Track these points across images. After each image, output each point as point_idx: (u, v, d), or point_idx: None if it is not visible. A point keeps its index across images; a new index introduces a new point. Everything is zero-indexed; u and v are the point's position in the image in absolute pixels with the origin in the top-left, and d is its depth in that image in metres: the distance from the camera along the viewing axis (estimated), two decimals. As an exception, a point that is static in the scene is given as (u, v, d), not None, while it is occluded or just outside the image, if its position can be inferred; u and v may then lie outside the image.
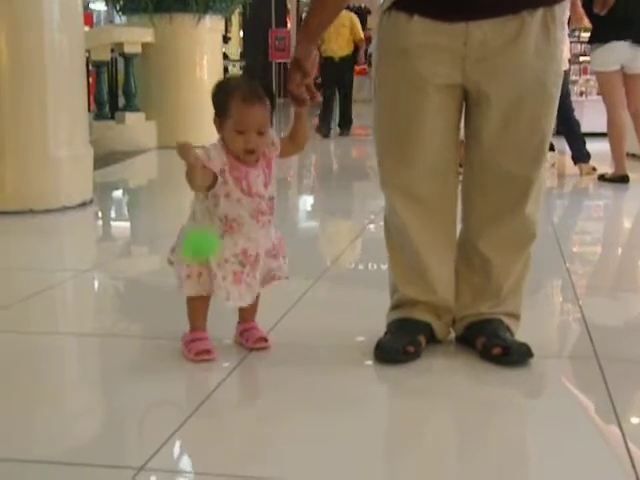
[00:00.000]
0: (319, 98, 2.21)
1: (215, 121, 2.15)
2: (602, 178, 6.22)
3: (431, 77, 2.12)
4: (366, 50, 10.55)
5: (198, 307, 2.24)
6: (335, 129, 10.46)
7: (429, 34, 2.09)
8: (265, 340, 2.30)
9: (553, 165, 6.91)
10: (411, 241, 2.26)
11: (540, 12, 2.08)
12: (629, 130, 6.16)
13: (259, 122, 2.10)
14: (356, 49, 10.17)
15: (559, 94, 2.19)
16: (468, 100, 2.19)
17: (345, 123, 10.45)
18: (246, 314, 2.32)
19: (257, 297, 2.27)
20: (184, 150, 1.99)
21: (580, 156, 6.57)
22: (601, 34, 5.98)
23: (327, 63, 9.80)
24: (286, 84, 2.20)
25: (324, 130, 10.04)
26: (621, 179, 6.06)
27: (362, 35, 10.04)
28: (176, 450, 1.74)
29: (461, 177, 2.29)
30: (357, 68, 13.05)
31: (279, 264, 2.27)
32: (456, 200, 2.30)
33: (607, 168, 6.40)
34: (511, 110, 2.13)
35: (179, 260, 2.20)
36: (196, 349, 2.20)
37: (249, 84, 2.14)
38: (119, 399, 2.03)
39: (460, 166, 2.30)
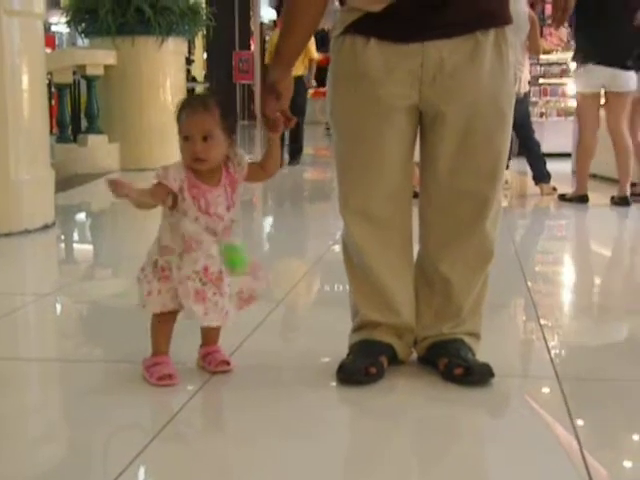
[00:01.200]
0: (294, 120, 2.21)
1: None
2: (562, 198, 6.30)
3: (390, 99, 2.14)
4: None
5: (162, 329, 2.23)
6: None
7: (387, 56, 2.12)
8: (227, 363, 2.29)
9: (506, 182, 6.99)
10: (370, 263, 2.27)
11: (492, 33, 2.12)
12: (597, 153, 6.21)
13: (202, 127, 2.10)
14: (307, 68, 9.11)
15: (512, 114, 2.22)
16: (423, 121, 2.21)
17: (295, 151, 9.20)
18: (208, 337, 2.31)
19: (225, 320, 2.27)
20: (114, 187, 2.01)
21: (541, 176, 6.66)
22: (583, 54, 6.03)
23: None
24: (261, 109, 2.20)
25: (289, 157, 9.03)
26: (581, 199, 6.13)
27: (315, 55, 9.04)
28: (139, 474, 1.73)
29: (416, 198, 2.31)
30: (322, 90, 12.98)
31: (251, 281, 2.25)
32: (411, 221, 2.32)
33: (567, 188, 6.49)
34: (466, 130, 2.16)
35: (142, 278, 2.19)
36: (158, 373, 2.19)
37: (200, 98, 2.20)
38: (81, 424, 2.01)
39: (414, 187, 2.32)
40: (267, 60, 9.05)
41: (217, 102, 2.15)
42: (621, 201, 6.02)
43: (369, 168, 2.22)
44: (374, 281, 2.28)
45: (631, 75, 5.97)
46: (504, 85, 2.17)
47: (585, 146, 6.17)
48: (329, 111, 2.28)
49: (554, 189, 6.57)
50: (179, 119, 2.15)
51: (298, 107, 8.73)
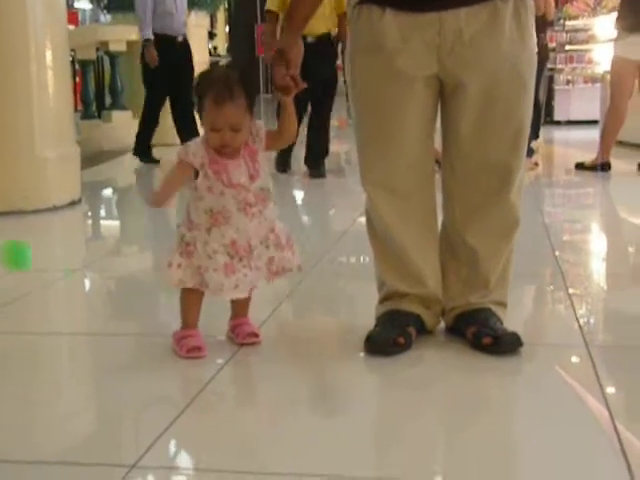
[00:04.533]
0: (303, 85, 2.18)
1: (198, 111, 2.16)
2: (580, 166, 6.19)
3: (409, 69, 2.12)
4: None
5: (190, 303, 2.24)
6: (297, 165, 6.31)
7: (403, 26, 2.09)
8: (256, 335, 2.30)
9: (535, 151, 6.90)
10: (393, 235, 2.26)
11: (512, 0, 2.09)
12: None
13: (231, 121, 2.09)
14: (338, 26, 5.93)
15: (534, 82, 2.20)
16: (444, 91, 2.19)
17: (316, 155, 6.12)
18: (238, 309, 2.32)
19: (250, 291, 2.29)
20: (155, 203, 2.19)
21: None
22: (628, 23, 5.89)
23: None
24: (272, 76, 2.19)
25: (281, 160, 6.05)
26: (602, 167, 6.06)
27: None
28: (169, 447, 1.75)
29: (438, 169, 2.29)
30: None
31: (284, 255, 2.24)
32: (434, 192, 2.30)
33: (592, 157, 6.39)
34: (487, 98, 2.13)
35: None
36: (187, 346, 2.20)
37: (225, 81, 2.10)
38: (111, 397, 2.03)
39: (436, 161, 2.30)
40: (268, 5, 5.81)
41: (241, 82, 2.11)
42: None
43: (390, 140, 2.20)
44: (398, 253, 2.27)
45: None
46: (524, 53, 2.14)
47: (618, 111, 6.07)
48: (349, 83, 2.26)
49: (536, 164, 6.45)
50: (201, 103, 2.11)
51: (326, 83, 5.87)
